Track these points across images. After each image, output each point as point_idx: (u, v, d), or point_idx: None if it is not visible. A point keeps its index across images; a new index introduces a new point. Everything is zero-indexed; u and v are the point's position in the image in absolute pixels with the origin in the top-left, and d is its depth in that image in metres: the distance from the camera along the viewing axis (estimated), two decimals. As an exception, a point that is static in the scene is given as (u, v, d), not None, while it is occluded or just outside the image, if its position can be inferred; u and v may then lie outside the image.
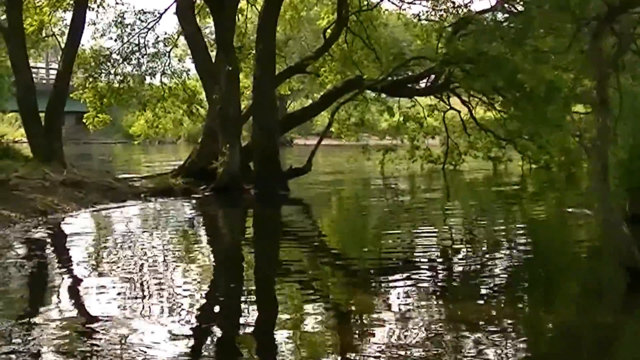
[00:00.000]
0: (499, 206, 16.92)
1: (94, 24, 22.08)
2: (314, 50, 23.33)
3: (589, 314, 7.21)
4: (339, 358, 5.87)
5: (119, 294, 7.72)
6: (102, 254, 10.34)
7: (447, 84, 20.49)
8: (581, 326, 6.87)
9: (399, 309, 7.15)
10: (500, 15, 17.67)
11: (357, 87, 19.57)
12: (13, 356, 5.54)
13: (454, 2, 19.74)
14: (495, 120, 21.83)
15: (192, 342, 6.23)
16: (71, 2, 20.93)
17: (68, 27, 20.44)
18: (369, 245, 11.82)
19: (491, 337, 6.23)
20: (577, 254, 10.86)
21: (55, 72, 24.70)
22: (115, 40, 21.82)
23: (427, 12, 20.38)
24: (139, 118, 25.94)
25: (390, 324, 6.59)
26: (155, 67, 22.00)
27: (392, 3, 30.31)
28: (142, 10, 21.94)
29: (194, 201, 16.19)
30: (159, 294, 7.81)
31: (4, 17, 19.82)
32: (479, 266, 9.52)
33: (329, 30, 21.16)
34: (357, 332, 6.56)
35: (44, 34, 22.43)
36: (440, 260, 10.03)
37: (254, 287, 8.87)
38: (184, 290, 7.99)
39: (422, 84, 22.44)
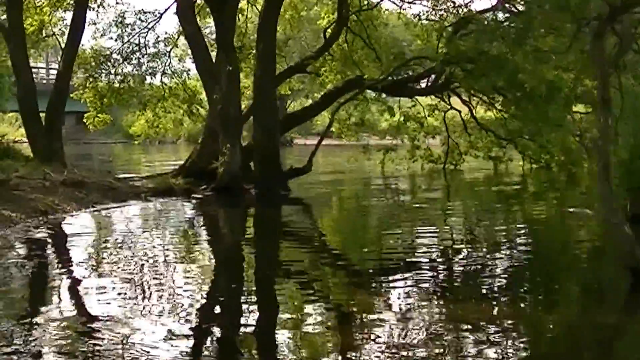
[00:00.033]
0: (500, 206, 16.90)
1: (94, 23, 22.14)
2: (314, 50, 23.30)
3: (591, 314, 7.21)
4: (340, 358, 5.87)
5: (119, 294, 7.73)
6: (102, 254, 10.33)
7: (448, 83, 20.46)
8: (582, 326, 6.86)
9: (400, 309, 7.15)
10: (500, 15, 17.65)
11: (357, 86, 19.54)
12: (14, 356, 5.54)
13: (454, 2, 19.74)
14: (496, 120, 21.83)
15: (192, 342, 6.23)
16: (71, 2, 20.93)
17: (68, 27, 20.46)
18: (370, 245, 11.82)
19: (492, 337, 6.23)
20: (578, 254, 10.85)
21: (55, 72, 24.68)
22: (116, 40, 21.85)
23: (427, 11, 20.38)
24: (139, 118, 25.95)
25: (390, 324, 6.59)
26: (156, 67, 21.99)
27: (393, 3, 30.25)
28: (142, 10, 21.98)
29: (194, 201, 16.18)
30: (160, 294, 7.80)
31: (4, 17, 19.83)
32: (479, 266, 9.50)
33: (329, 30, 21.14)
34: (357, 332, 6.55)
35: (44, 34, 22.43)
36: (440, 260, 10.02)
37: (254, 287, 8.87)
38: (185, 290, 7.99)
39: (423, 83, 22.41)
